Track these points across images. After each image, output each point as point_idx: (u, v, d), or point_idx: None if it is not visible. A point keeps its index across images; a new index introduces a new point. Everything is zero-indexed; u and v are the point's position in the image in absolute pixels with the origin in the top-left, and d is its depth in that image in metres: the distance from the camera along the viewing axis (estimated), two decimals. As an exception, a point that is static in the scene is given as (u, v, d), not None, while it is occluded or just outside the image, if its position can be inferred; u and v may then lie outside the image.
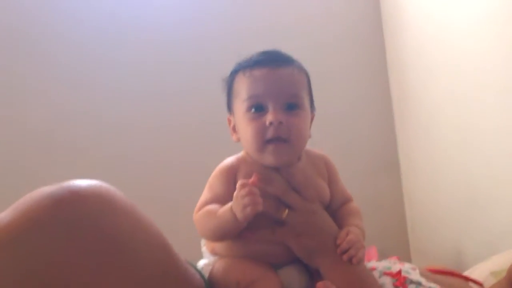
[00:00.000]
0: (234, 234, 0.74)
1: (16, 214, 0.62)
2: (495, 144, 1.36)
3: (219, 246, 0.78)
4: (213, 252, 0.80)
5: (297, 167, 0.78)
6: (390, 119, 1.91)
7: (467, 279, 0.93)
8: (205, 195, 0.78)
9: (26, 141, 1.58)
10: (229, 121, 0.82)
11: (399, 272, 0.78)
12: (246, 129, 0.75)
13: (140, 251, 0.68)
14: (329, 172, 0.81)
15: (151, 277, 0.67)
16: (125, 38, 1.69)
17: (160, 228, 0.74)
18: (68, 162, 1.58)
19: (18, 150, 1.57)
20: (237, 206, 0.69)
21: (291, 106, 0.75)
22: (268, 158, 0.75)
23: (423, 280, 0.77)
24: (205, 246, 0.83)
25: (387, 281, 0.76)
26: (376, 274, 0.79)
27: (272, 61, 0.77)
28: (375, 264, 0.82)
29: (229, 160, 0.79)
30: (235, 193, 0.70)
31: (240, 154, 0.80)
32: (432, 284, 0.77)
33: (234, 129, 0.81)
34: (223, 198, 0.75)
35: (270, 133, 0.73)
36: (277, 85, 0.75)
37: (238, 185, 0.70)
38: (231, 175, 0.76)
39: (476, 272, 1.08)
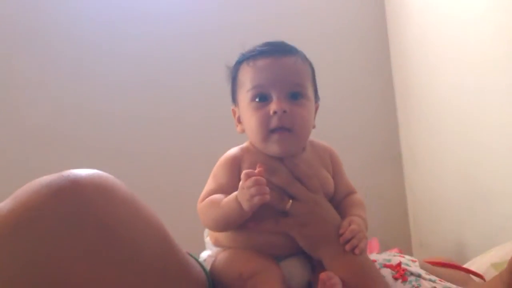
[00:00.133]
0: (238, 224, 0.74)
1: (15, 203, 0.62)
2: (497, 136, 1.36)
3: (222, 237, 0.78)
4: (216, 243, 0.80)
5: (301, 157, 0.78)
6: (393, 111, 1.91)
7: (467, 271, 0.93)
8: (209, 185, 0.78)
9: (27, 134, 1.58)
10: (234, 112, 0.82)
11: (399, 264, 0.78)
12: (250, 118, 0.75)
13: (139, 241, 0.68)
14: (334, 164, 0.82)
15: (150, 267, 0.67)
16: (126, 32, 1.69)
17: (162, 220, 0.74)
18: (69, 156, 1.58)
19: (18, 143, 1.57)
20: (243, 195, 0.69)
21: (295, 96, 0.75)
22: (273, 147, 0.75)
23: (422, 272, 0.78)
24: (208, 237, 0.83)
25: (387, 273, 0.76)
26: (376, 266, 0.78)
27: (276, 51, 0.77)
28: (375, 256, 0.82)
29: (233, 150, 0.79)
30: (241, 183, 0.70)
31: (244, 144, 0.80)
32: (432, 276, 0.77)
33: (238, 120, 0.81)
34: (227, 188, 0.75)
35: (274, 122, 0.73)
36: (281, 75, 0.75)
37: (243, 175, 0.70)
38: (235, 166, 0.76)
39: (477, 264, 1.08)
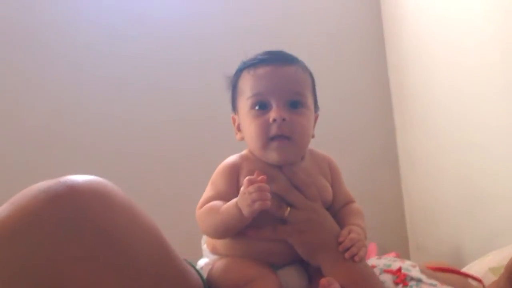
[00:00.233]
0: (237, 231, 0.74)
1: (13, 209, 0.62)
2: (494, 139, 1.36)
3: (219, 244, 0.78)
4: (214, 251, 0.80)
5: (299, 166, 0.78)
6: (390, 114, 1.91)
7: (466, 275, 0.93)
8: (207, 192, 0.78)
9: (25, 136, 1.57)
10: (234, 120, 0.82)
11: (399, 269, 0.78)
12: (250, 126, 0.76)
13: (136, 247, 0.67)
14: (332, 173, 0.82)
15: (147, 273, 0.67)
16: (126, 33, 1.68)
17: (159, 226, 0.74)
18: (68, 157, 1.57)
19: (17, 144, 1.56)
20: (244, 201, 0.69)
21: (295, 104, 0.76)
22: (272, 155, 0.75)
23: (423, 277, 0.78)
24: (205, 245, 0.83)
25: (388, 278, 0.76)
26: (376, 271, 0.79)
27: (277, 60, 0.77)
28: (376, 261, 0.82)
29: (232, 158, 0.79)
30: (242, 189, 0.70)
31: (244, 152, 0.80)
32: (433, 281, 0.77)
33: (238, 128, 0.81)
34: (226, 195, 0.75)
35: (273, 130, 0.74)
36: (280, 83, 0.75)
37: (245, 181, 0.70)
38: (234, 173, 0.77)
39: (475, 268, 1.08)
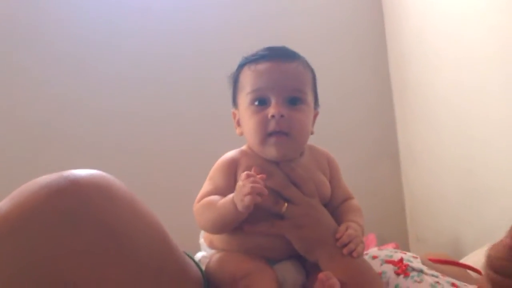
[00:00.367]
0: (233, 226, 0.74)
1: (14, 204, 0.62)
2: (494, 133, 1.36)
3: (217, 239, 0.78)
4: (211, 245, 0.80)
5: (297, 162, 0.78)
6: (390, 108, 1.91)
7: (465, 266, 0.94)
8: (205, 187, 0.78)
9: (26, 132, 1.58)
10: (234, 115, 0.82)
11: (401, 260, 0.78)
12: (249, 121, 0.76)
13: (138, 241, 0.68)
14: (331, 169, 0.82)
15: (148, 266, 0.68)
16: (126, 29, 1.68)
17: (160, 218, 0.74)
18: (68, 153, 1.58)
19: (18, 141, 1.57)
20: (238, 196, 0.69)
21: (294, 101, 0.75)
22: (270, 151, 0.75)
23: (424, 268, 0.78)
24: (203, 239, 0.83)
25: (389, 269, 0.77)
26: (378, 262, 0.79)
27: (278, 56, 0.77)
28: (377, 252, 0.82)
29: (231, 153, 0.79)
30: (238, 183, 0.70)
31: (243, 147, 0.80)
32: (434, 272, 0.78)
33: (238, 123, 0.81)
34: (224, 190, 0.75)
35: (271, 126, 0.74)
36: (280, 79, 0.75)
37: (242, 176, 0.70)
38: (232, 168, 0.77)
39: (474, 259, 1.08)
